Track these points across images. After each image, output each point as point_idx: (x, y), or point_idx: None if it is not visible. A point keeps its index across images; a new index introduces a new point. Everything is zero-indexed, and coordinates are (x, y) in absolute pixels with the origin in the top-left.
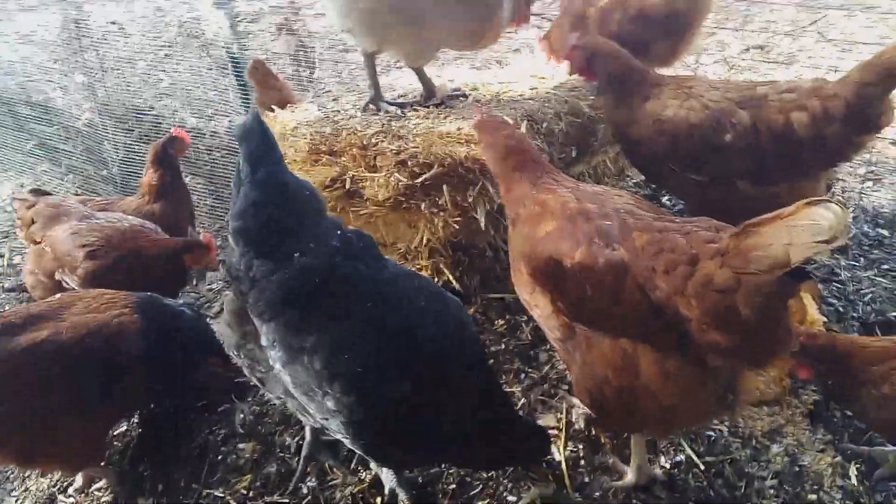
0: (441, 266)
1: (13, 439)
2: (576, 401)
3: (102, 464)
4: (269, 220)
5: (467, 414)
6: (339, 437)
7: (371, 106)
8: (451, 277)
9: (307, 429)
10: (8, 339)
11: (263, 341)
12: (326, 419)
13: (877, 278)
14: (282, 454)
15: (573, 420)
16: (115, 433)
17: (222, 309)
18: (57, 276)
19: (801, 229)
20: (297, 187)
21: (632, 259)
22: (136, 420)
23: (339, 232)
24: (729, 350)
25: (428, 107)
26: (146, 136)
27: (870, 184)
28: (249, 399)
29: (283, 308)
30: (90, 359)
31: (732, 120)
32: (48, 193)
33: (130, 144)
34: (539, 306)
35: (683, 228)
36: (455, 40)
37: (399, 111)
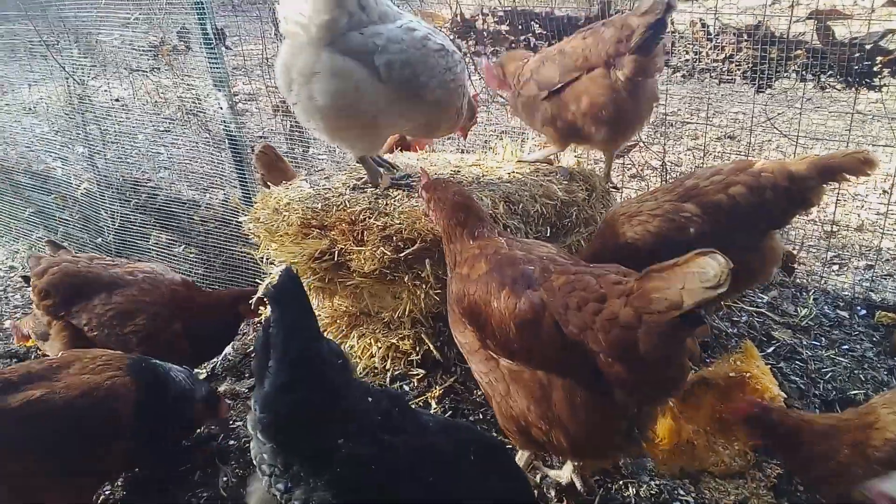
0: (423, 336)
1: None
2: (549, 472)
3: None
4: (307, 407)
5: None
6: None
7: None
8: (431, 347)
9: None
10: (2, 397)
11: None
12: None
13: (837, 358)
14: None
15: (545, 491)
16: (98, 497)
17: None
18: None
19: (692, 275)
20: (331, 356)
21: (549, 298)
22: (119, 483)
23: (370, 398)
24: (630, 383)
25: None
26: (143, 206)
27: (835, 267)
28: (233, 462)
29: None
30: (80, 420)
31: (685, 214)
32: (62, 247)
33: (126, 214)
34: (468, 342)
35: (595, 271)
36: (409, 132)
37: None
